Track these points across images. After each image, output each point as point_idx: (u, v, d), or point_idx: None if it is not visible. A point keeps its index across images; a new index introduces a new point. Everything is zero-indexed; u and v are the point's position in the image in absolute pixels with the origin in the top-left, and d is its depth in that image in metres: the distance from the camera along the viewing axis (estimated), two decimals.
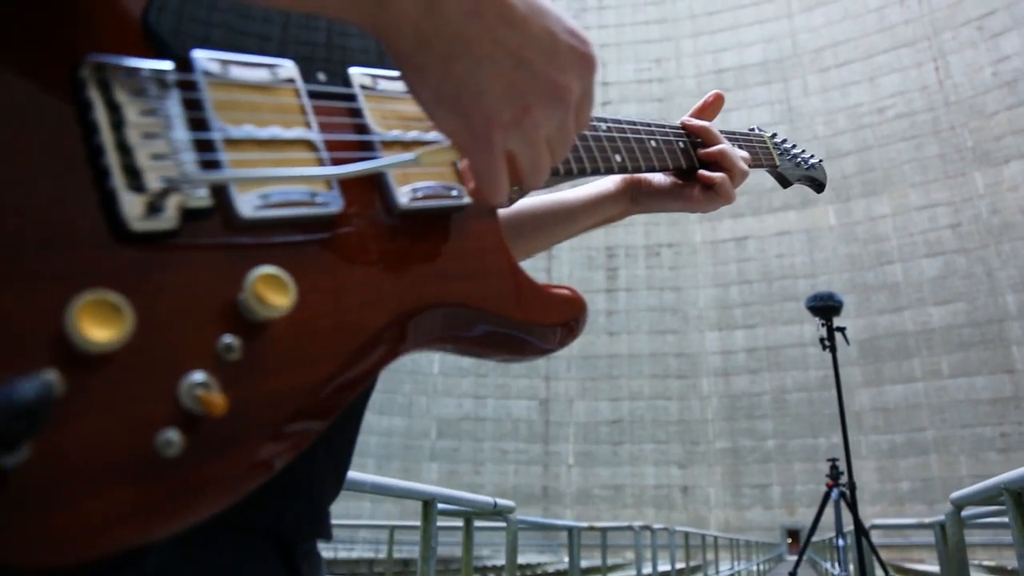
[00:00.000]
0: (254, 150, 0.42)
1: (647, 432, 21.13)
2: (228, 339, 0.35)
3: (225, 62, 0.43)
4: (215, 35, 0.46)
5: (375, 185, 0.47)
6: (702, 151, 0.79)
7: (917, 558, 14.83)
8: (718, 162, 0.79)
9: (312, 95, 0.47)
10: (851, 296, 19.68)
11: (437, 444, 20.86)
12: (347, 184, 0.45)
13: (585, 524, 5.49)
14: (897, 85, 20.65)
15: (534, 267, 22.32)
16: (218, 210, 0.39)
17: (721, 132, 0.84)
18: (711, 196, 0.78)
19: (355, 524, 16.66)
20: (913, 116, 20.27)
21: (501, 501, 3.11)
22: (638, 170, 0.72)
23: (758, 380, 20.62)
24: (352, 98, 0.49)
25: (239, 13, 0.48)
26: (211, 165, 0.39)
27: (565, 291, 0.54)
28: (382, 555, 13.25)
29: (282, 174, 0.41)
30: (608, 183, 0.83)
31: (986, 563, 12.04)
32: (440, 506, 2.94)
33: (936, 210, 19.43)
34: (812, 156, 0.99)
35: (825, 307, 4.14)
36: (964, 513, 3.40)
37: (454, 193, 0.50)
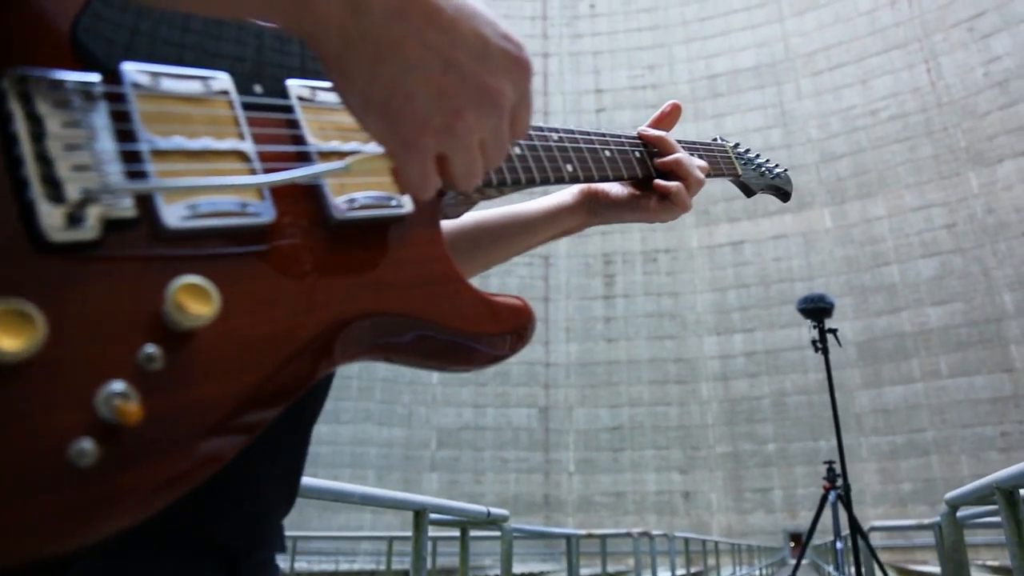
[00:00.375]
0: (183, 161, 0.42)
1: (647, 438, 21.08)
2: (150, 349, 0.35)
3: (156, 74, 0.44)
4: (188, 56, 0.46)
5: (310, 195, 0.47)
6: (658, 160, 0.79)
7: (921, 559, 14.77)
8: (674, 171, 0.79)
9: (247, 107, 0.47)
10: (848, 298, 19.68)
11: (437, 454, 20.79)
12: (280, 194, 0.45)
13: (583, 532, 5.46)
14: (889, 87, 20.72)
15: (531, 275, 22.32)
16: (144, 221, 0.39)
17: (681, 142, 0.84)
18: (667, 205, 0.79)
19: (354, 536, 16.56)
20: (906, 118, 20.33)
21: (495, 510, 3.10)
22: (591, 179, 0.71)
23: (757, 384, 20.59)
24: (289, 109, 0.49)
25: (212, 35, 0.48)
26: (137, 176, 0.40)
27: (511, 299, 0.54)
28: (383, 567, 13.19)
29: (206, 183, 0.41)
30: (565, 195, 0.83)
31: (990, 563, 11.98)
32: (434, 516, 2.92)
33: (931, 211, 19.47)
34: (777, 165, 0.99)
35: (816, 309, 4.13)
36: (962, 513, 3.39)
37: (393, 203, 0.50)
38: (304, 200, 0.46)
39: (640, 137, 0.81)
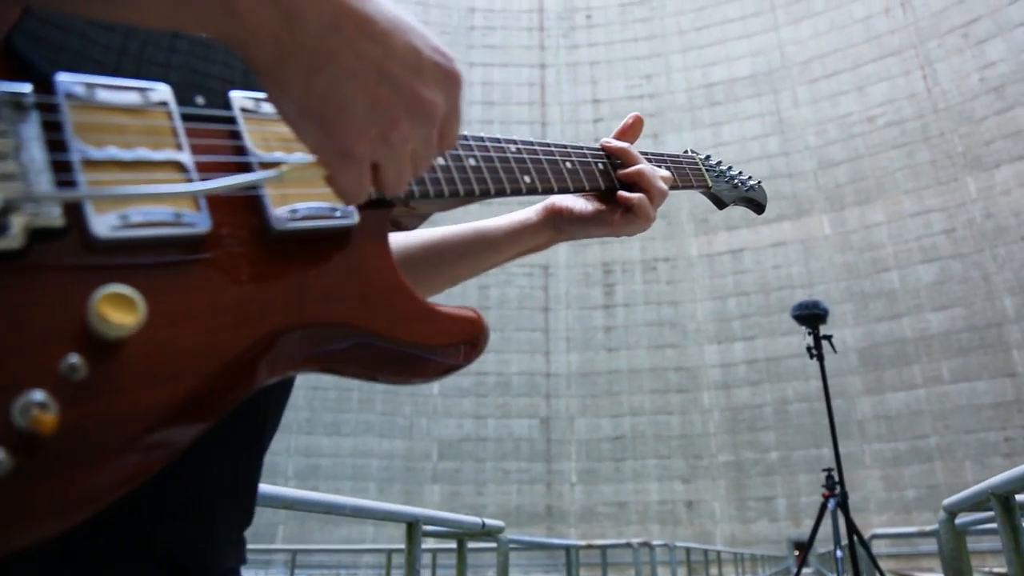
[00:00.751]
0: (116, 171, 0.42)
1: (649, 448, 21.00)
2: (73, 359, 0.35)
3: (91, 85, 0.44)
4: (173, 76, 0.47)
5: (249, 206, 0.47)
6: (621, 172, 0.79)
7: (926, 567, 14.67)
8: (637, 183, 0.79)
9: (188, 118, 0.47)
10: (849, 304, 19.65)
11: (439, 466, 20.71)
12: (218, 205, 0.45)
13: (583, 542, 5.42)
14: (886, 94, 20.78)
15: (531, 285, 22.30)
16: (73, 230, 0.39)
17: (650, 153, 0.85)
18: (630, 218, 0.79)
19: (355, 549, 16.47)
20: (903, 124, 20.38)
21: (490, 521, 3.08)
22: (550, 191, 0.71)
23: (759, 392, 20.53)
24: (231, 120, 0.49)
25: (199, 56, 0.49)
26: (67, 186, 0.39)
27: (463, 311, 0.54)
28: None
29: (131, 192, 0.41)
30: (530, 213, 0.84)
31: (996, 570, 11.89)
32: (429, 528, 2.91)
33: (930, 216, 19.48)
34: (750, 178, 1.00)
35: (811, 316, 4.12)
36: (963, 520, 3.37)
37: (337, 214, 0.50)
38: (243, 211, 0.46)
39: (603, 149, 0.81)
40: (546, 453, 21.25)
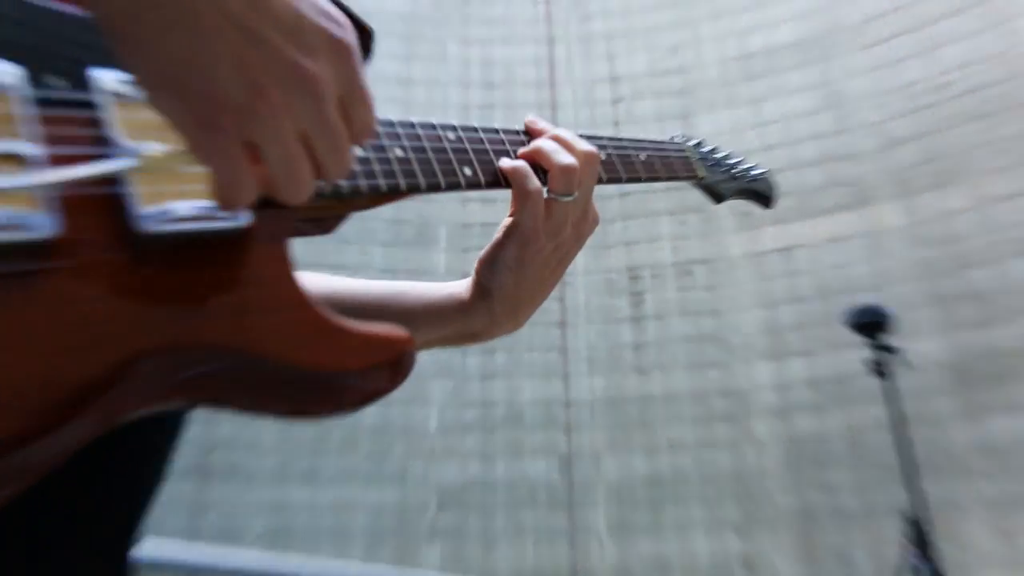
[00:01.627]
0: None
1: (694, 491, 20.78)
2: None
3: None
4: None
5: (111, 206, 0.46)
6: (520, 151, 0.75)
7: None
8: (538, 163, 0.74)
9: (43, 103, 0.47)
10: (930, 310, 19.40)
11: (438, 519, 20.57)
12: (71, 205, 0.45)
13: None
14: (959, 56, 20.68)
15: None
16: None
17: (627, 140, 0.82)
18: (523, 203, 0.72)
19: None
20: (982, 91, 20.25)
21: None
22: (495, 185, 0.70)
23: (825, 419, 20.28)
24: (98, 106, 0.49)
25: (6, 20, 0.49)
26: None
27: (382, 328, 0.53)
28: None
29: None
30: (462, 287, 0.79)
31: None
32: None
33: (1022, 199, 19.36)
34: (754, 167, 0.98)
35: (870, 323, 4.06)
36: None
37: (224, 215, 0.49)
38: (103, 212, 0.46)
39: (527, 131, 0.78)
40: (568, 500, 21.10)
